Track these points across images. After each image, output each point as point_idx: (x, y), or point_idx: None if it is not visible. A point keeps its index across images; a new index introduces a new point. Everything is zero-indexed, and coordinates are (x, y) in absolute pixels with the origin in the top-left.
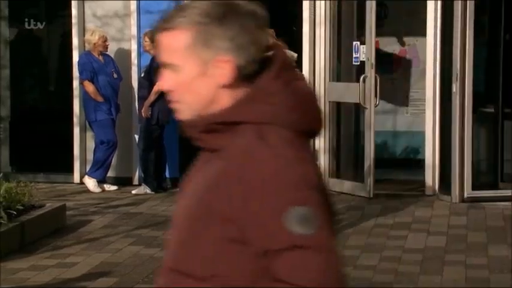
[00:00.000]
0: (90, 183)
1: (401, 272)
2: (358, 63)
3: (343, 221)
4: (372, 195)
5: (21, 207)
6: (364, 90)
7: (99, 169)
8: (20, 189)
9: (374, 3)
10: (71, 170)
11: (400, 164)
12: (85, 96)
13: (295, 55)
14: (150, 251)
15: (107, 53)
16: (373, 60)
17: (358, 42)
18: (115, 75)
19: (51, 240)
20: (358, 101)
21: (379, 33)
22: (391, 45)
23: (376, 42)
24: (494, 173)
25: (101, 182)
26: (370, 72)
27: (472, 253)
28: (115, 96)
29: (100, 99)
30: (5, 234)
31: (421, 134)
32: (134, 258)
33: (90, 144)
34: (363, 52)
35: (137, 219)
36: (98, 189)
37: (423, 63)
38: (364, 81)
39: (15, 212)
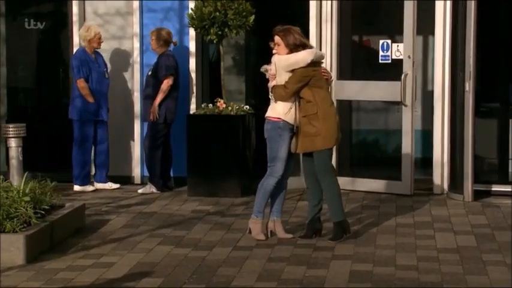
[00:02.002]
0: (78, 188)
1: (445, 273)
2: (389, 61)
3: (364, 220)
4: (412, 193)
5: (47, 207)
6: (405, 88)
7: (79, 175)
8: (41, 189)
9: (415, 2)
10: (70, 169)
11: (394, 162)
12: (74, 94)
13: (324, 54)
14: (182, 250)
15: (99, 51)
16: (414, 58)
17: (389, 41)
18: (106, 75)
19: (76, 240)
20: (399, 99)
21: (369, 32)
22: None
23: (367, 41)
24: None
25: (102, 182)
26: (411, 70)
27: (508, 253)
28: (105, 96)
29: (91, 100)
30: (37, 234)
31: (415, 133)
32: (169, 258)
33: None
34: (397, 50)
35: (154, 218)
36: (90, 188)
37: (416, 61)
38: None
39: (43, 212)
